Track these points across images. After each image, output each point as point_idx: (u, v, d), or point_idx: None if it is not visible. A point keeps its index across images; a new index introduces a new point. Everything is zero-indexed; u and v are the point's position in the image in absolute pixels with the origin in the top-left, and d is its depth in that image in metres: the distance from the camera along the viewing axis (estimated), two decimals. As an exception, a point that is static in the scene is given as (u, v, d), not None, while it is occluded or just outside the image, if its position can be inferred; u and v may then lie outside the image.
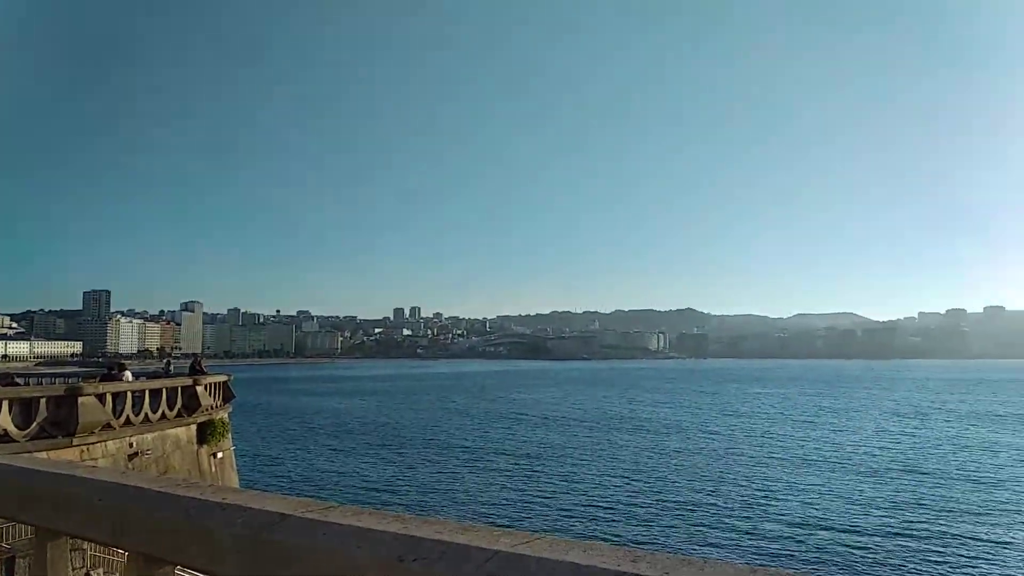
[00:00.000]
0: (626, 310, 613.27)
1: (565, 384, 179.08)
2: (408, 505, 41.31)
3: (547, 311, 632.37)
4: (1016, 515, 39.64)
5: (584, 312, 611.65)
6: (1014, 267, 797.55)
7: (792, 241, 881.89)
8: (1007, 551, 32.82)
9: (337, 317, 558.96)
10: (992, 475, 52.01)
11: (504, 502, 43.18)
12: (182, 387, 25.44)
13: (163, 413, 23.61)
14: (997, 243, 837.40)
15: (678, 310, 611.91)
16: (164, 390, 24.23)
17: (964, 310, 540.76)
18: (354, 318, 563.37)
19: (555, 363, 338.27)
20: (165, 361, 37.03)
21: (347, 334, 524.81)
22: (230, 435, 29.95)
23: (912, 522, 37.82)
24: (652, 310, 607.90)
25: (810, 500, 43.13)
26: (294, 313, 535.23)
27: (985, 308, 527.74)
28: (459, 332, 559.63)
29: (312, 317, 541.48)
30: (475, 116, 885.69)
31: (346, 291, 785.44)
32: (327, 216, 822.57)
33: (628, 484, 48.35)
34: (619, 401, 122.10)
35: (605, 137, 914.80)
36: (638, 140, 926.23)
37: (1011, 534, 35.61)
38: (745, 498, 43.70)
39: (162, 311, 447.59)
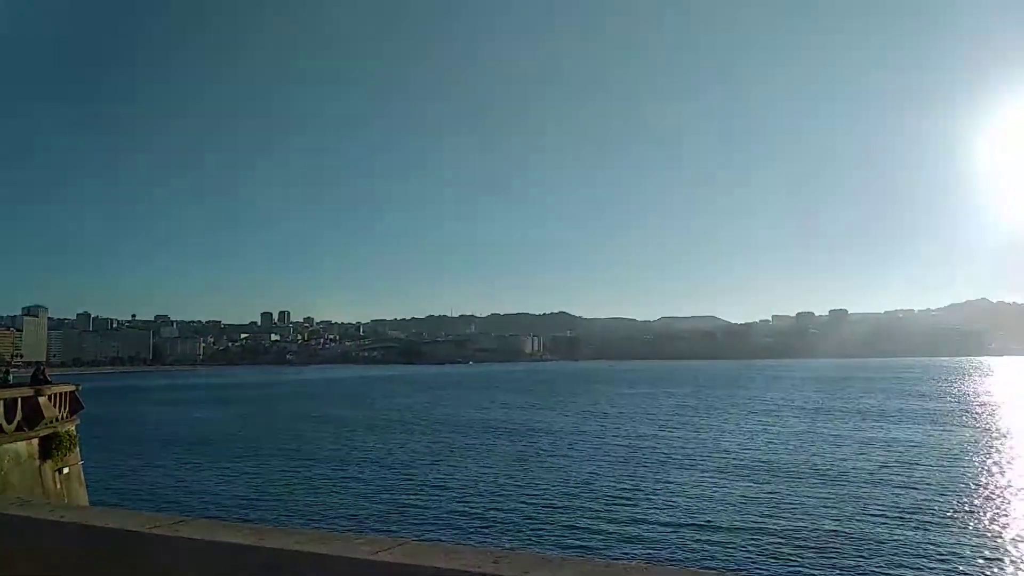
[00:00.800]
0: (502, 314, 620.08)
1: (438, 388, 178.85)
2: (270, 519, 39.92)
3: (423, 315, 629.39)
4: (858, 504, 43.17)
5: (460, 316, 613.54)
6: (855, 274, 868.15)
7: (657, 246, 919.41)
8: (854, 540, 35.70)
9: (199, 322, 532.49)
10: (836, 467, 56.50)
11: (369, 511, 42.57)
12: (22, 398, 23.51)
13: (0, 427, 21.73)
14: (840, 250, 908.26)
15: (552, 313, 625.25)
16: (1, 402, 22.31)
17: (812, 313, 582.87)
18: (218, 323, 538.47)
19: (430, 367, 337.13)
20: (3, 370, 34.02)
21: (211, 340, 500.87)
22: (78, 449, 27.92)
23: (769, 514, 40.46)
24: (527, 313, 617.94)
25: (676, 497, 45.09)
26: (151, 318, 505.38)
27: (830, 311, 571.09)
28: (331, 337, 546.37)
29: (172, 322, 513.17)
30: (355, 115, 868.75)
31: (209, 294, 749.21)
32: (188, 214, 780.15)
33: (498, 487, 48.89)
34: (491, 404, 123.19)
35: (474, 141, 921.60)
36: (506, 144, 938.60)
37: (856, 524, 38.77)
38: (612, 497, 45.20)
39: (0, 316, 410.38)
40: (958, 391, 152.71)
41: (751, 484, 48.78)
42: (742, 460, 59.35)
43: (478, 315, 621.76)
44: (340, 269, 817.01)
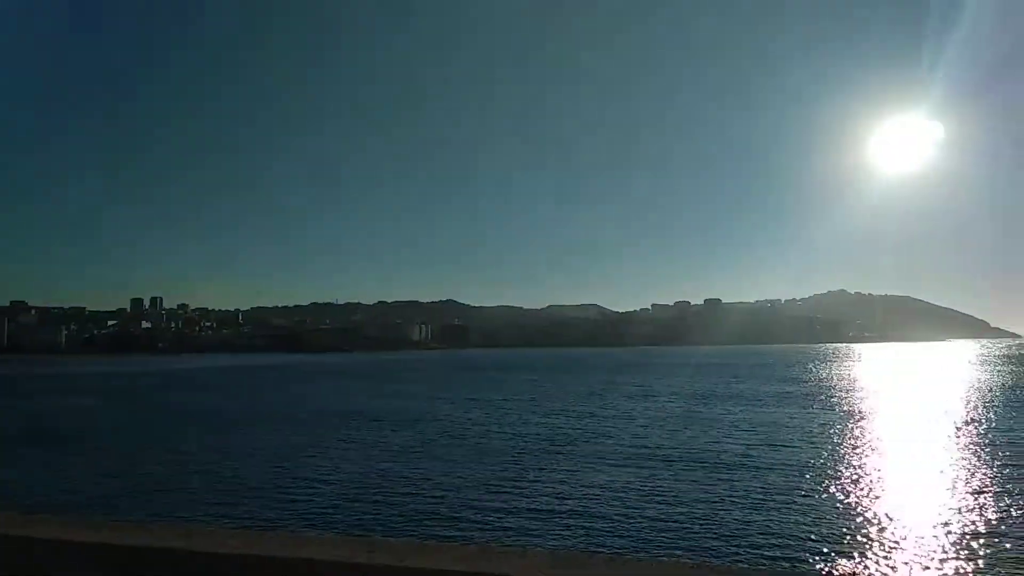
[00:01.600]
0: (389, 302, 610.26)
1: (320, 377, 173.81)
2: (132, 516, 36.81)
3: (306, 302, 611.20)
4: (728, 486, 44.46)
5: (346, 303, 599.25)
6: (728, 265, 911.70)
7: (543, 235, 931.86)
8: (723, 522, 36.52)
9: (61, 308, 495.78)
10: (710, 449, 58.35)
11: (238, 504, 40.11)
12: None
13: None
14: (715, 243, 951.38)
15: (441, 302, 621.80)
16: None
17: (689, 302, 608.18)
18: (83, 309, 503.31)
19: (313, 356, 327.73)
20: None
21: (74, 328, 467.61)
22: None
23: (642, 497, 40.94)
24: (416, 302, 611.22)
25: (555, 484, 44.92)
26: (7, 303, 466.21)
27: (706, 301, 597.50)
28: (208, 324, 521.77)
29: (30, 308, 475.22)
30: (242, 96, 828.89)
31: (73, 279, 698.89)
32: (50, 189, 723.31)
33: (379, 478, 47.35)
34: (374, 393, 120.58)
35: (363, 127, 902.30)
36: (394, 131, 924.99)
37: (725, 506, 39.75)
38: (492, 484, 44.59)
39: None
40: (820, 376, 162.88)
41: (629, 468, 49.43)
42: (621, 444, 60.32)
43: (364, 302, 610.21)
44: (218, 253, 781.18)
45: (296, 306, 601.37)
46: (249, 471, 50.16)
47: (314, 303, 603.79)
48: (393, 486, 44.05)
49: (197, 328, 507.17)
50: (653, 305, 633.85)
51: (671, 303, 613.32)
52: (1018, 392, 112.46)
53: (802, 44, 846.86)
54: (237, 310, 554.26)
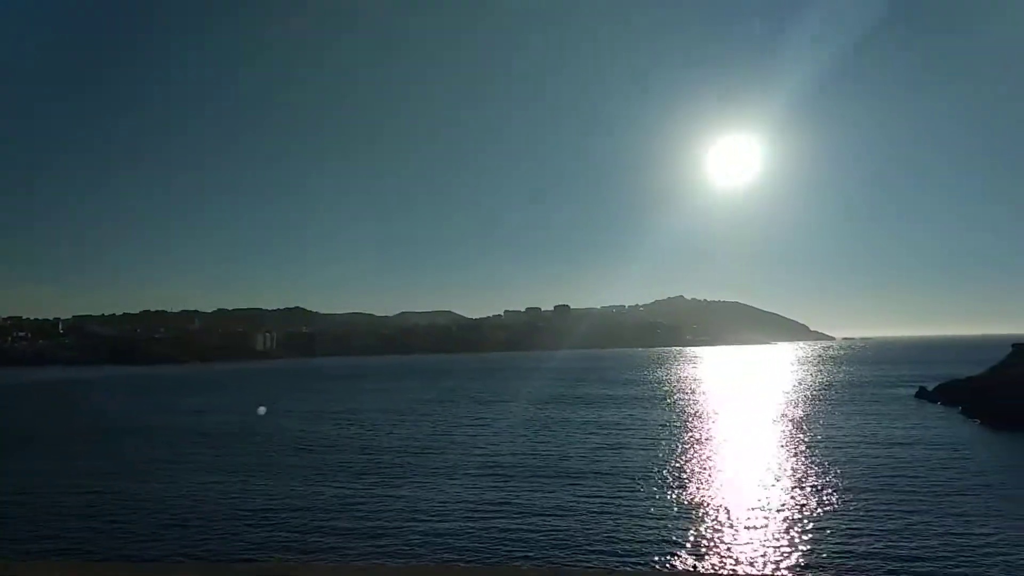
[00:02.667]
0: (230, 309, 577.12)
1: (148, 391, 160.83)
2: None
3: (136, 310, 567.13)
4: (577, 489, 44.16)
5: (182, 311, 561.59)
6: (576, 271, 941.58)
7: (394, 240, 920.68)
8: (568, 520, 35.92)
9: None
10: (559, 452, 58.32)
11: (38, 531, 35.07)
12: None
13: None
14: (563, 249, 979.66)
15: (286, 309, 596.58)
16: None
17: (540, 308, 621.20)
18: None
19: (145, 368, 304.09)
20: None
21: None
22: None
23: (491, 503, 39.76)
24: (259, 309, 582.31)
25: (415, 499, 42.85)
26: None
27: (555, 307, 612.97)
28: (21, 335, 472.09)
29: None
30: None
31: None
32: None
33: (209, 498, 43.22)
34: (207, 407, 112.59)
35: (208, 131, 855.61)
36: (244, 134, 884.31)
37: (571, 508, 39.26)
38: (332, 499, 41.93)
39: None
40: (662, 378, 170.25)
41: (481, 478, 48.24)
42: (473, 452, 59.17)
43: (202, 310, 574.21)
44: (32, 257, 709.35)
45: (125, 314, 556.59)
46: (56, 494, 44.30)
47: (145, 311, 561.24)
48: (225, 505, 40.26)
49: (9, 339, 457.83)
50: (506, 311, 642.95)
51: (523, 309, 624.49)
52: (831, 389, 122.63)
53: (648, 63, 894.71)
54: (57, 319, 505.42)
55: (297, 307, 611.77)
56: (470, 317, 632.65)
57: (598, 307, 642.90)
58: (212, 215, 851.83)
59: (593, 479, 46.27)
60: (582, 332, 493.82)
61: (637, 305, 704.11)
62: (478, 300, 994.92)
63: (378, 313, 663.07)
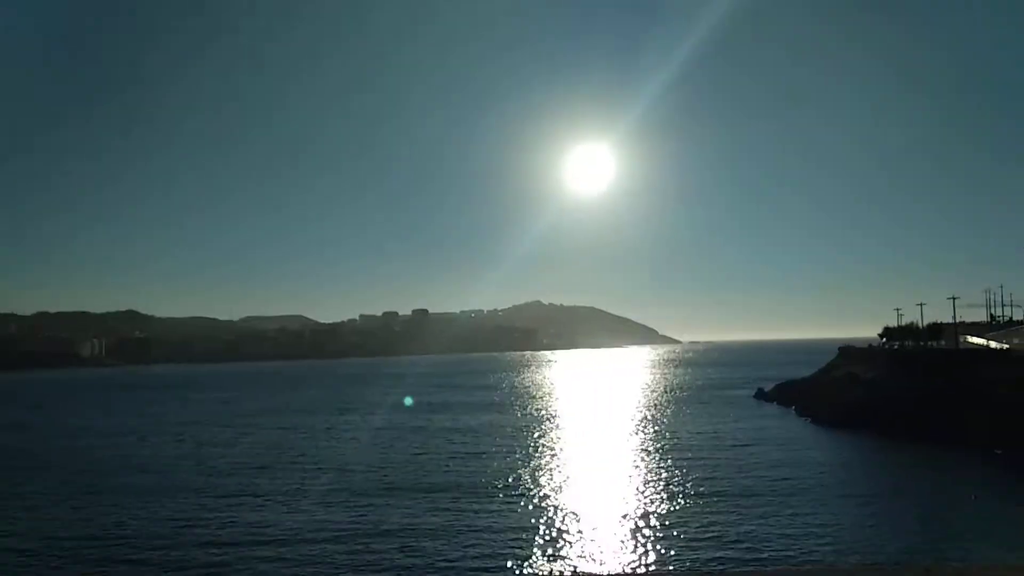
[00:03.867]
0: (52, 312, 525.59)
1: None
2: None
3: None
4: (432, 500, 41.94)
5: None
6: (434, 276, 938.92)
7: (240, 241, 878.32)
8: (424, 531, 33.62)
9: None
10: (413, 462, 55.78)
11: None
12: None
13: None
14: (420, 253, 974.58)
15: (118, 312, 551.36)
16: None
17: (397, 313, 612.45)
18: None
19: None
20: None
21: None
22: None
23: (340, 513, 36.76)
24: (86, 312, 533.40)
25: (259, 524, 38.78)
26: None
27: (413, 311, 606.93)
28: None
29: None
30: None
31: None
32: None
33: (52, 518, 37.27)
34: (16, 422, 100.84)
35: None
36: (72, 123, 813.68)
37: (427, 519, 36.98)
38: (174, 524, 37.34)
39: None
40: (519, 382, 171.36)
41: (332, 497, 45.00)
42: (323, 467, 55.53)
43: (20, 313, 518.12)
44: None
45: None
46: None
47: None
48: (29, 527, 34.69)
49: None
50: (361, 316, 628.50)
51: (379, 314, 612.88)
52: (679, 391, 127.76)
53: (507, 73, 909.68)
54: None
55: (130, 310, 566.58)
56: (323, 322, 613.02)
57: (457, 312, 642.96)
58: (31, 206, 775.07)
59: (449, 491, 44.00)
60: (441, 337, 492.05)
61: (496, 310, 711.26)
62: (332, 304, 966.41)
63: (222, 317, 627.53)
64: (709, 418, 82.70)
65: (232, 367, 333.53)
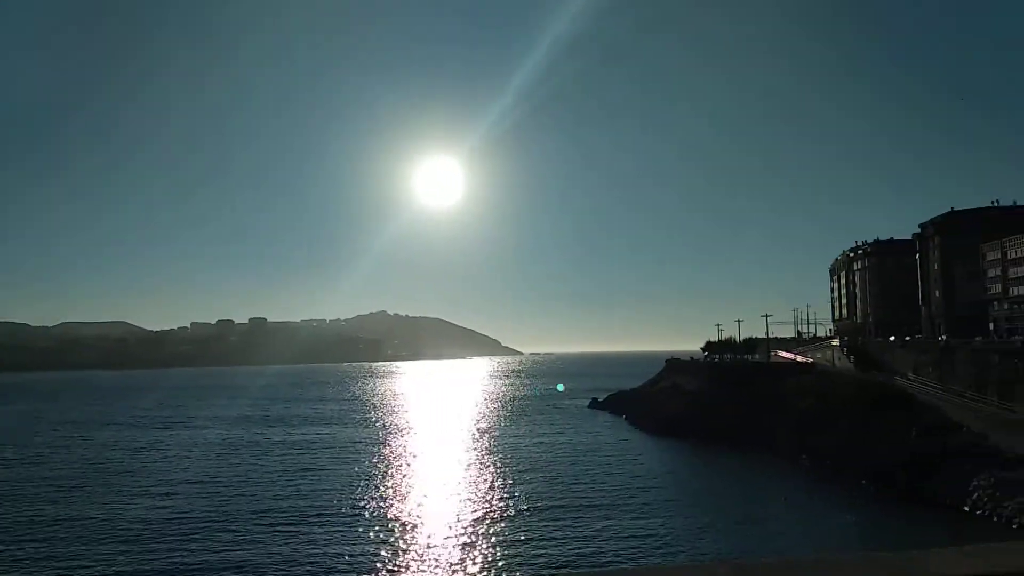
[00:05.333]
0: None
1: None
2: None
3: None
4: (272, 514, 40.52)
5: None
6: (275, 283, 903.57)
7: (55, 241, 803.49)
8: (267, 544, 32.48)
9: None
10: (250, 476, 53.52)
11: None
12: None
13: None
14: (259, 260, 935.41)
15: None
16: None
17: (232, 321, 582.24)
18: None
19: None
20: None
21: None
22: None
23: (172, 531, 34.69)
24: None
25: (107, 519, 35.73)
26: None
27: (250, 320, 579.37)
28: None
29: None
30: None
31: None
32: None
33: None
34: None
35: None
36: None
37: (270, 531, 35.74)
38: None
39: None
40: (363, 393, 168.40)
41: (152, 526, 42.13)
42: (139, 492, 51.91)
43: None
44: None
45: None
46: None
47: None
48: None
49: None
50: (193, 323, 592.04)
51: (213, 321, 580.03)
52: (520, 401, 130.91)
53: (358, 77, 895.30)
54: None
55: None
56: (150, 329, 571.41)
57: (298, 321, 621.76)
58: None
59: (284, 514, 41.87)
60: (281, 347, 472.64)
61: (339, 319, 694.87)
62: (161, 310, 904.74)
63: (33, 323, 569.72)
64: (549, 427, 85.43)
65: (43, 376, 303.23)
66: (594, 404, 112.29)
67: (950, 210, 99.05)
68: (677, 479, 53.03)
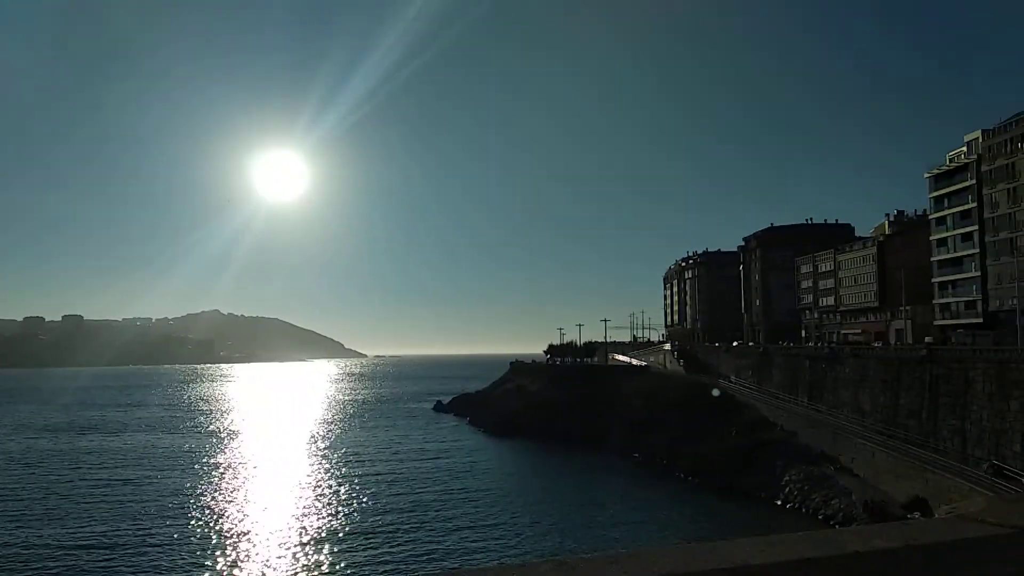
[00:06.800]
0: None
1: None
2: None
3: None
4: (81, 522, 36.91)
5: None
6: (93, 279, 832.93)
7: None
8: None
9: None
10: (51, 487, 48.56)
11: None
12: None
13: None
14: (75, 252, 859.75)
15: None
16: None
17: (43, 318, 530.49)
18: None
19: None
20: None
21: None
22: None
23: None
24: None
25: None
26: None
27: (64, 317, 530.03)
28: None
29: None
30: None
31: None
32: None
33: None
34: None
35: None
36: None
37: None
38: None
39: None
40: (192, 397, 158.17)
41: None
42: None
43: None
44: None
45: None
46: None
47: None
48: None
49: None
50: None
51: (20, 319, 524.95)
52: (364, 405, 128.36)
53: (191, 68, 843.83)
54: None
55: None
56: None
57: (119, 319, 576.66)
58: None
59: (96, 531, 38.32)
60: (100, 347, 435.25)
61: (167, 318, 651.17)
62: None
63: None
64: (394, 431, 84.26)
65: None
66: (439, 407, 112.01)
67: (770, 225, 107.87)
68: (519, 478, 53.94)
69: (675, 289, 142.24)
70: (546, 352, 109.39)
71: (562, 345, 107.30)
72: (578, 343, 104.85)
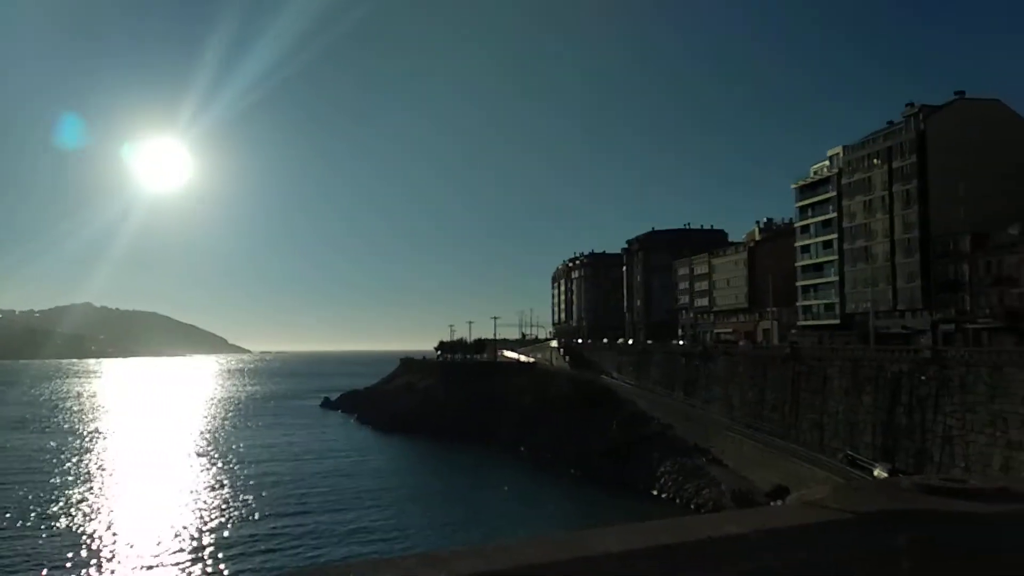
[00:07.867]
0: None
1: None
2: None
3: None
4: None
5: None
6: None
7: None
8: None
9: None
10: None
11: None
12: None
13: None
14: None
15: None
16: None
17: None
18: None
19: None
20: None
21: None
22: None
23: None
24: None
25: None
26: None
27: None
28: None
29: None
30: None
31: None
32: None
33: None
34: None
35: None
36: None
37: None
38: None
39: None
40: (58, 394, 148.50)
41: None
42: None
43: None
44: None
45: None
46: None
47: None
48: None
49: None
50: None
51: None
52: (249, 402, 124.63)
53: (61, 45, 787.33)
54: None
55: None
56: None
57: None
58: None
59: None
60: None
61: (32, 310, 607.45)
62: None
63: None
64: (280, 428, 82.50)
65: None
66: (327, 404, 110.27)
67: (652, 230, 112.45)
68: (407, 474, 54.29)
69: (562, 288, 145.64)
70: (437, 349, 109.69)
71: (452, 342, 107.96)
72: (468, 340, 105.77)
